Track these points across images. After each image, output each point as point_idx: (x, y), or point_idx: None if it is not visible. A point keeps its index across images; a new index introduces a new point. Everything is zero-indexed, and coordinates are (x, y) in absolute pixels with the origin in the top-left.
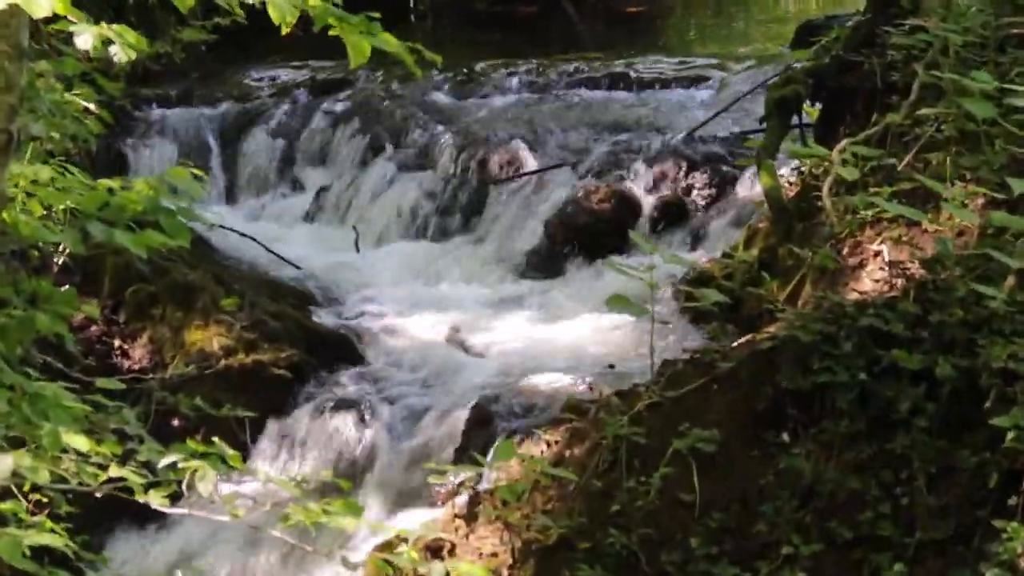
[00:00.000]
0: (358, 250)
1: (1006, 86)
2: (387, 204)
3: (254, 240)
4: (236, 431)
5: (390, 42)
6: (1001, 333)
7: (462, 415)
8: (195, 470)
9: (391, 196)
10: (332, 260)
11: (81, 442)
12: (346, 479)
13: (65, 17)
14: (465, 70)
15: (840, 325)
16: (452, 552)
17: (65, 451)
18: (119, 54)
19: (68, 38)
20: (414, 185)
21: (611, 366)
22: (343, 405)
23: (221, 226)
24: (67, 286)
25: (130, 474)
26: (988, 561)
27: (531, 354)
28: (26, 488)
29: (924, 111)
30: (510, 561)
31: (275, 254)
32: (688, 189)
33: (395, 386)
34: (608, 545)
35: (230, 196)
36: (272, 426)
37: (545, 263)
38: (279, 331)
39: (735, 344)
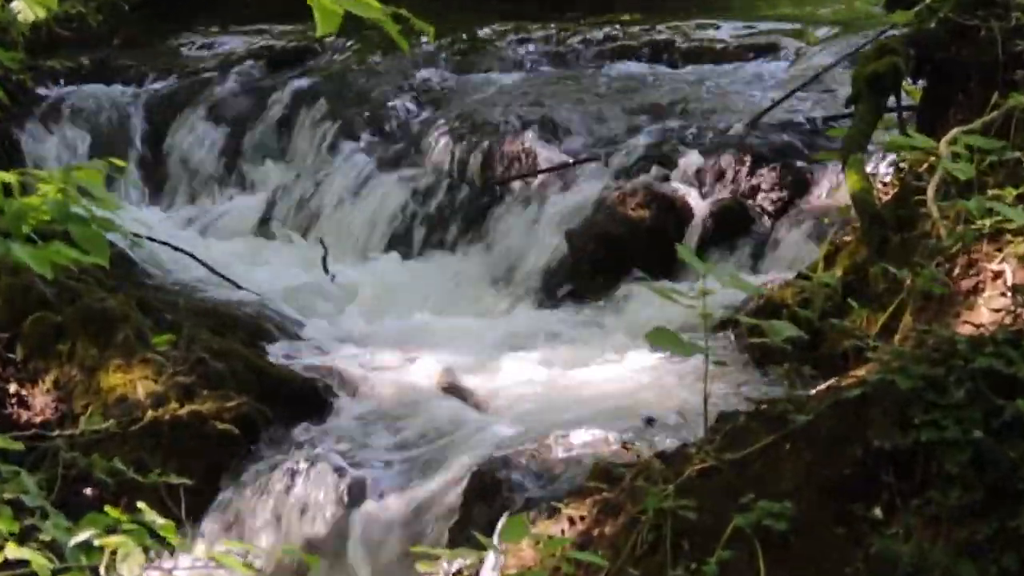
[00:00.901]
0: (326, 270)
1: None
2: (363, 210)
3: (191, 256)
4: (168, 504)
5: (370, 5)
6: None
7: (460, 483)
8: (116, 549)
9: (368, 200)
10: (292, 282)
11: None
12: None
13: None
14: (465, 38)
15: (950, 367)
16: None
17: None
18: (24, 11)
19: None
20: (398, 186)
21: (651, 420)
22: (306, 471)
23: (149, 238)
24: None
25: (33, 555)
26: None
27: (548, 405)
28: None
29: None
30: None
31: (219, 275)
32: (752, 191)
33: (374, 446)
34: None
35: (160, 199)
36: (215, 497)
37: (567, 286)
38: (224, 374)
39: (813, 392)
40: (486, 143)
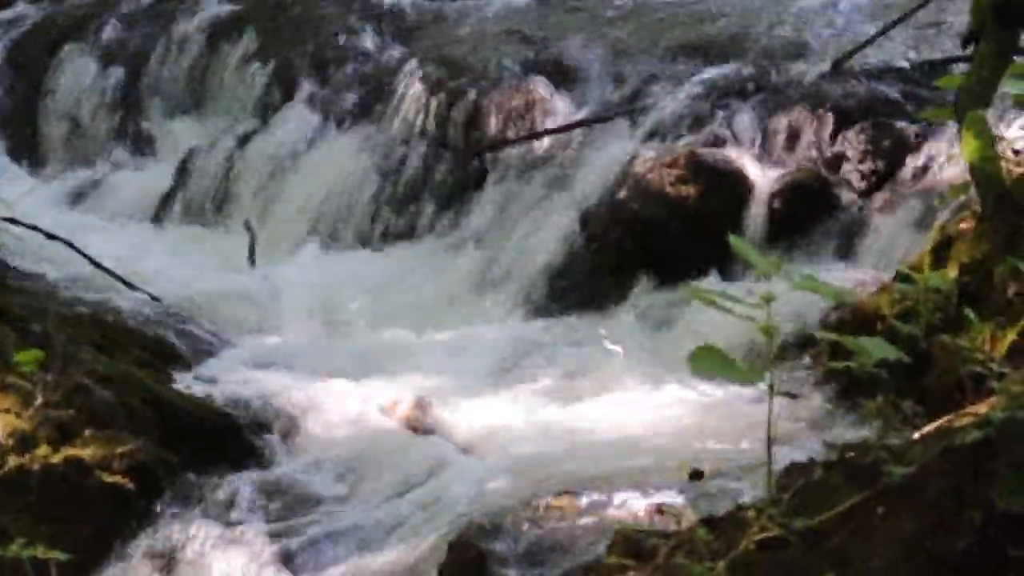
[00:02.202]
0: (253, 263)
1: None
2: (305, 185)
3: (69, 245)
4: None
5: None
6: None
7: (433, 558)
8: None
9: (312, 171)
10: (208, 282)
11: None
12: None
13: None
14: None
15: None
16: None
17: None
18: None
19: None
20: (353, 152)
21: (696, 473)
22: (224, 538)
23: (9, 220)
24: None
25: None
26: None
27: (553, 450)
28: None
29: None
30: None
31: (107, 271)
32: (835, 161)
33: (316, 506)
34: None
35: (30, 164)
36: (103, 574)
37: (580, 287)
38: (113, 408)
39: (917, 436)
40: (472, 94)
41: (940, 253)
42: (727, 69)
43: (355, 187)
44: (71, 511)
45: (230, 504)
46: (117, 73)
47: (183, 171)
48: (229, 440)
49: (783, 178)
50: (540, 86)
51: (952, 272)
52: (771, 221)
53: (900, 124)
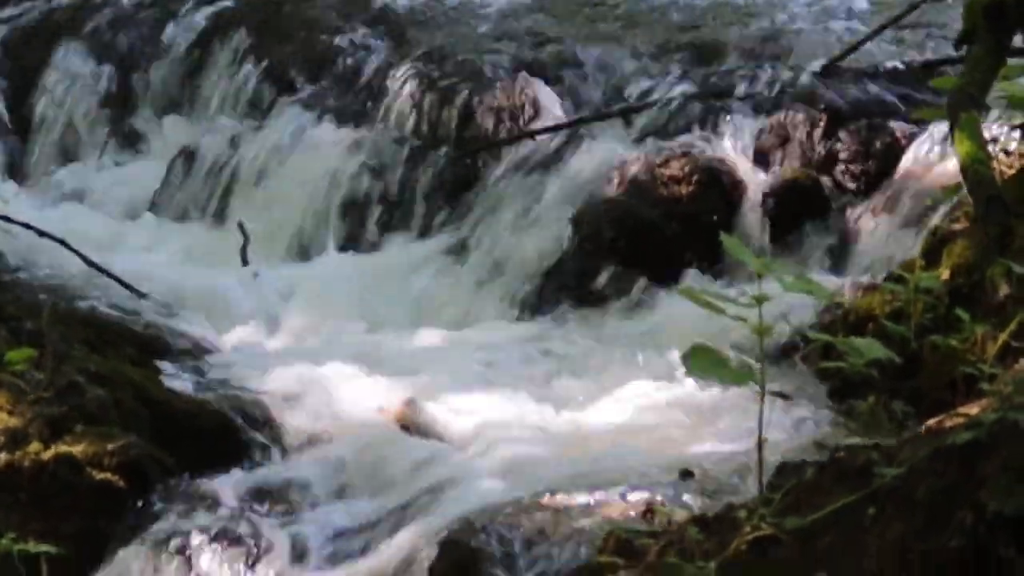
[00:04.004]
0: (246, 263)
1: None
2: (297, 183)
3: (62, 243)
4: None
5: None
6: None
7: (425, 556)
8: None
9: (304, 170)
10: (201, 282)
11: None
12: None
13: None
14: None
15: None
16: None
17: None
18: None
19: None
20: (345, 151)
21: (687, 472)
22: (217, 537)
23: (2, 217)
24: None
25: None
26: None
27: (545, 449)
28: None
29: None
30: None
31: (100, 269)
32: (827, 161)
33: (311, 504)
34: None
35: (17, 167)
36: (91, 572)
37: (573, 287)
38: (106, 405)
39: (908, 436)
40: (465, 92)
41: (932, 254)
42: (722, 68)
43: (347, 186)
44: (61, 508)
45: (222, 503)
46: (108, 72)
47: (174, 169)
48: (221, 439)
49: (776, 179)
50: (533, 85)
51: (944, 273)
52: (763, 222)
53: (893, 125)
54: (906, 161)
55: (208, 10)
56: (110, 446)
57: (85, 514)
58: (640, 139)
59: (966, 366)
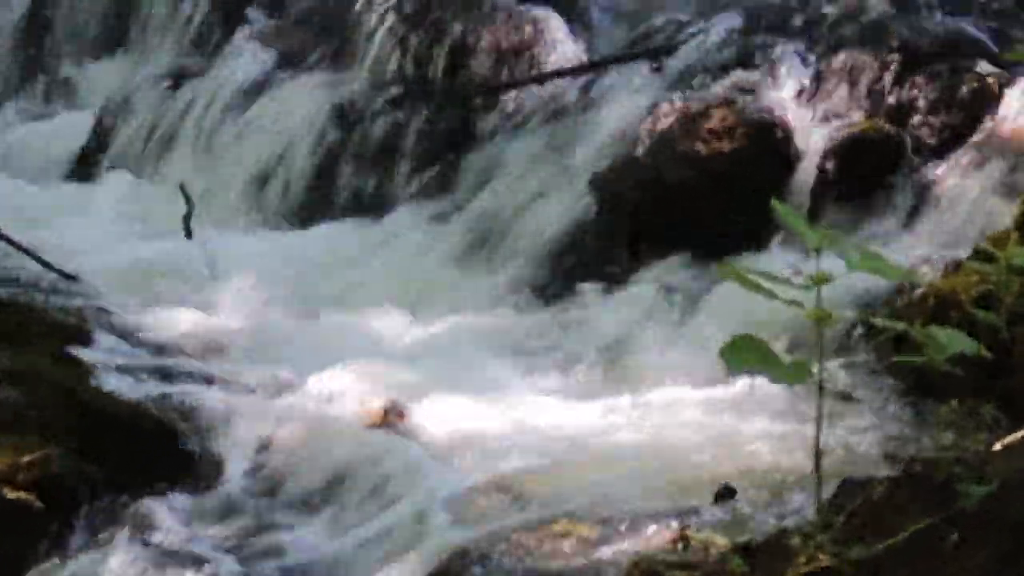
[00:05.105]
0: (189, 234)
1: None
2: (254, 139)
3: None
4: None
5: None
6: None
7: None
8: None
9: (263, 122)
10: (136, 255)
11: None
12: None
13: None
14: None
15: None
16: None
17: None
18: None
19: None
20: (312, 98)
21: (727, 490)
22: (156, 569)
23: None
24: None
25: None
26: None
27: (555, 462)
28: None
29: None
30: None
31: (15, 244)
32: (901, 112)
33: (269, 528)
34: None
35: None
36: None
37: (589, 265)
38: (19, 408)
39: (1000, 446)
40: (457, 28)
41: None
42: (768, 1)
43: (314, 142)
44: None
45: (160, 527)
46: (23, 5)
47: (106, 121)
48: (163, 448)
49: (838, 133)
50: (542, 19)
51: None
52: (823, 185)
53: (981, 67)
54: (998, 112)
55: None
56: (25, 459)
57: None
58: (672, 85)
59: None
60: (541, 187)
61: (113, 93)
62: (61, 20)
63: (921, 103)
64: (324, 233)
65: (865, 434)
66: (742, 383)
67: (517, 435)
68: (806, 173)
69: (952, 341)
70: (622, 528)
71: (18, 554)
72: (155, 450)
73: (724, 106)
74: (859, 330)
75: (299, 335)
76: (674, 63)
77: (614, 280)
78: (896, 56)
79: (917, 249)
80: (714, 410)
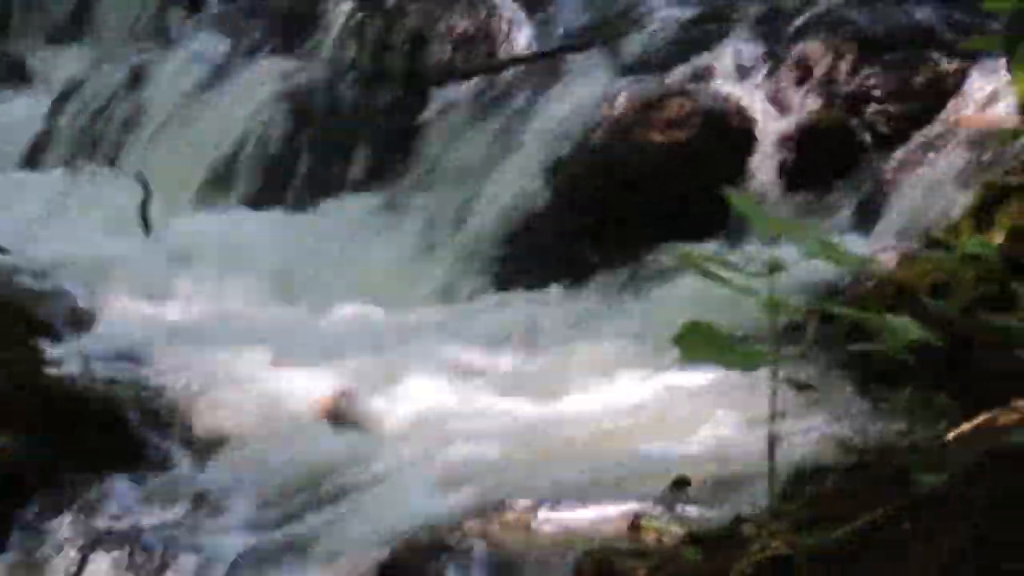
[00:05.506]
0: (146, 224)
1: None
2: (210, 126)
3: None
4: None
5: None
6: None
7: None
8: None
9: (219, 109)
10: (91, 244)
11: None
12: None
13: None
14: None
15: None
16: None
17: None
18: None
19: None
20: (269, 85)
21: (682, 481)
22: (107, 555)
23: None
24: None
25: None
26: None
27: (508, 451)
28: None
29: None
30: None
31: None
32: (856, 101)
33: (217, 515)
34: None
35: None
36: None
37: (546, 253)
38: None
39: (953, 435)
40: (417, 14)
41: (984, 214)
42: None
43: (271, 129)
44: None
45: (113, 512)
46: None
47: (62, 106)
48: (115, 434)
49: (795, 121)
50: (500, 6)
51: (997, 237)
52: (780, 173)
53: (936, 56)
54: (954, 101)
55: None
56: None
57: None
58: (629, 72)
59: None
60: (497, 174)
61: (70, 79)
62: (19, 5)
63: (878, 92)
64: (282, 220)
65: (820, 423)
66: (698, 372)
67: (470, 424)
68: (762, 162)
69: (905, 330)
70: (576, 517)
71: None
72: (105, 434)
73: (680, 95)
74: (815, 319)
75: (252, 323)
76: (631, 49)
77: (571, 267)
78: (853, 45)
79: (873, 238)
80: (670, 399)
